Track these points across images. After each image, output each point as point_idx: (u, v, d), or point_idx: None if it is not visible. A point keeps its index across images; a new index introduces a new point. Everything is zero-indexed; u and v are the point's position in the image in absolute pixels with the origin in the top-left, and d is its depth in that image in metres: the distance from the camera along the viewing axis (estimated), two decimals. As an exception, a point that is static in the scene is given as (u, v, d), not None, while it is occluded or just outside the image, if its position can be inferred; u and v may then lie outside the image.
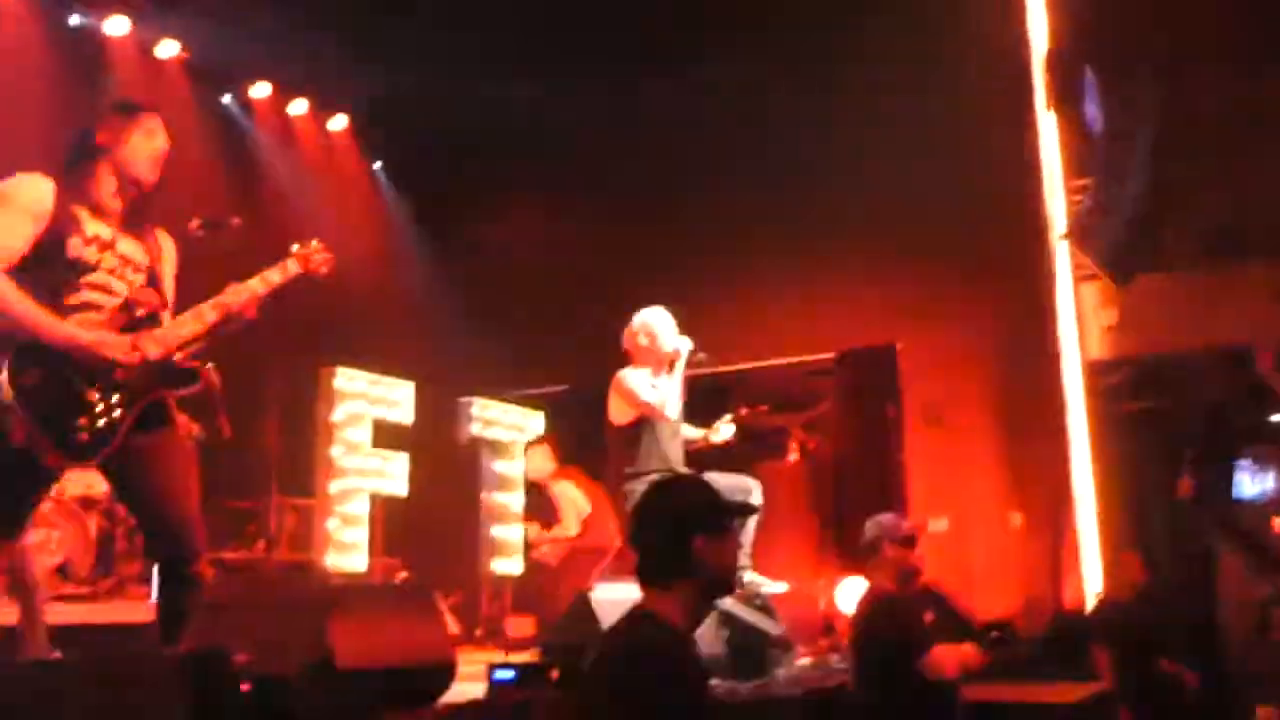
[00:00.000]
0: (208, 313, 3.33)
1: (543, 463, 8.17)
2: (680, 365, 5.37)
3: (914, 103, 7.73)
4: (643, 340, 5.42)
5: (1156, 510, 7.49)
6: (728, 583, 2.52)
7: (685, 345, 5.39)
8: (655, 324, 5.44)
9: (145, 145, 3.33)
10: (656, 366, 5.40)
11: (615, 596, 4.49)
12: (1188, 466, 6.56)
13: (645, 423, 5.29)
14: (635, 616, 2.47)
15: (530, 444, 8.40)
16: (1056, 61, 7.84)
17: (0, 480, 3.01)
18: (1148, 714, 5.20)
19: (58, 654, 4.20)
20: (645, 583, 2.47)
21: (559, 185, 9.13)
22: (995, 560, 7.88)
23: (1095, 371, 7.70)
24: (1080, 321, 7.79)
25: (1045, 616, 7.07)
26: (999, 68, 7.89)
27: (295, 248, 3.58)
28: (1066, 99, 7.72)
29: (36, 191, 3.15)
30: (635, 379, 5.31)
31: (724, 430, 5.62)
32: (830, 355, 8.43)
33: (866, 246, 8.13)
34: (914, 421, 8.17)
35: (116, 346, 3.11)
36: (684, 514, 2.47)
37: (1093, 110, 7.55)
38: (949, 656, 4.15)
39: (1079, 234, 7.65)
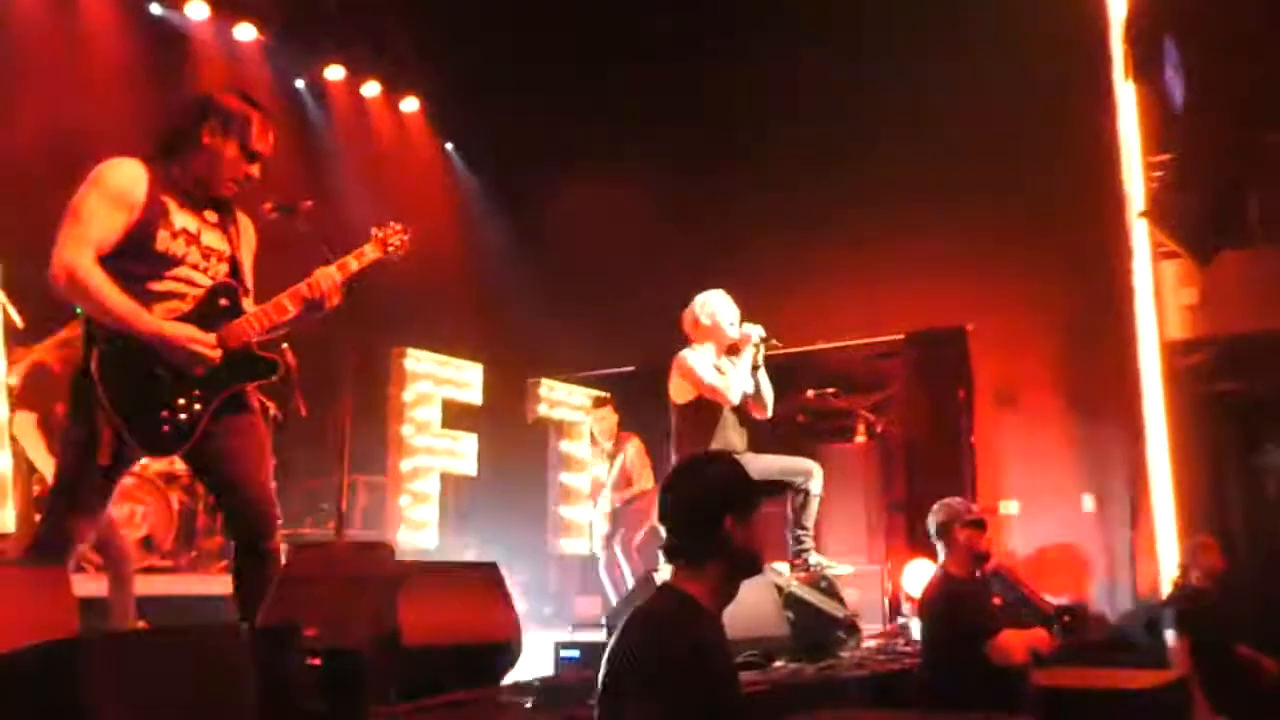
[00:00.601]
0: (287, 304, 3.34)
1: (611, 423, 8.03)
2: (749, 351, 5.35)
3: (986, 76, 7.58)
4: (704, 320, 5.41)
5: (1235, 495, 7.31)
6: (755, 563, 2.50)
7: (755, 332, 5.36)
8: (715, 305, 5.42)
9: (246, 150, 3.30)
10: (718, 348, 5.39)
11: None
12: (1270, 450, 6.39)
13: (707, 403, 5.29)
14: (663, 594, 2.48)
15: (596, 403, 8.21)
16: (1135, 31, 7.62)
17: (85, 462, 3.10)
18: (1224, 701, 5.08)
19: (143, 623, 4.35)
20: (674, 561, 2.48)
21: (627, 168, 9.13)
22: (1068, 544, 7.76)
23: (1174, 352, 7.51)
24: (1158, 301, 7.60)
25: (1119, 602, 6.95)
26: (1075, 38, 7.70)
27: (374, 231, 3.58)
28: (1146, 70, 7.50)
29: (129, 178, 3.16)
30: (698, 359, 5.31)
31: (751, 330, 5.48)
32: (899, 337, 8.35)
33: (937, 225, 8.01)
34: (985, 404, 8.07)
35: (202, 344, 3.16)
36: (714, 493, 2.48)
37: (1173, 82, 7.33)
38: (1017, 641, 4.11)
39: (1158, 211, 7.46)
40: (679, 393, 5.36)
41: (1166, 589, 6.58)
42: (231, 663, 1.74)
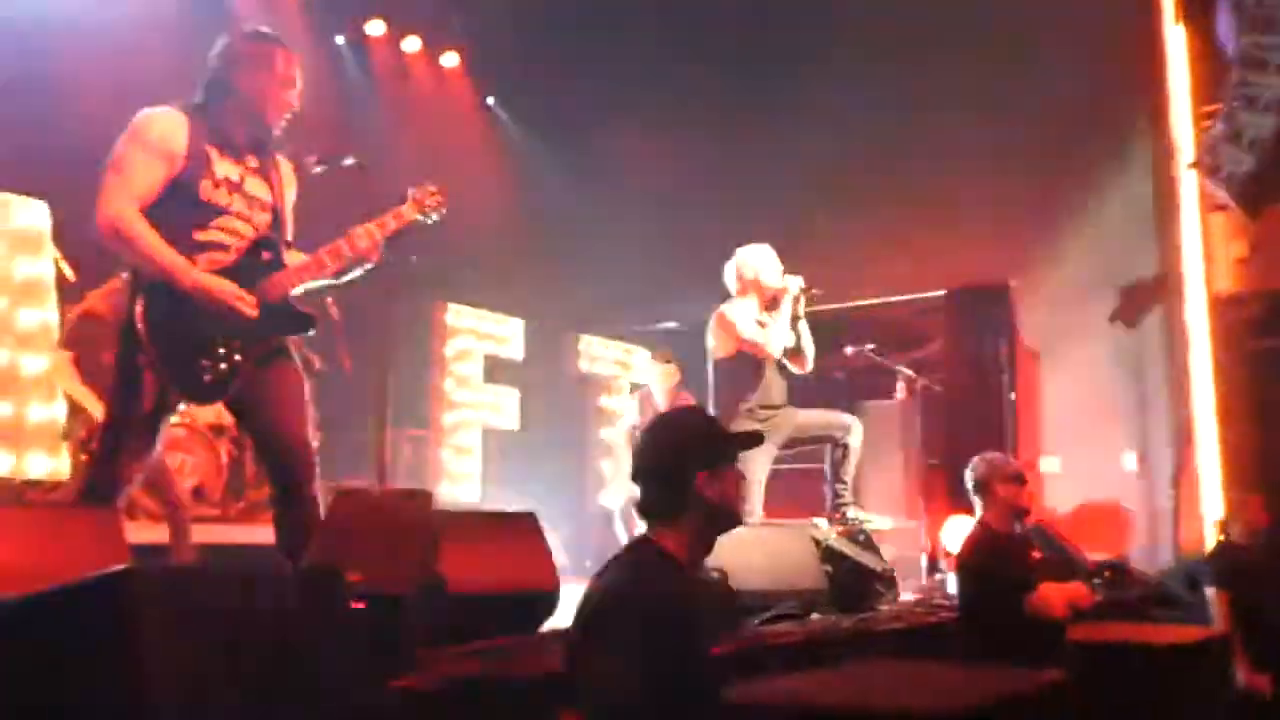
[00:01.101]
0: (326, 259, 3.38)
1: (673, 381, 7.93)
2: (788, 302, 5.34)
3: (1032, 23, 7.43)
4: (746, 274, 5.41)
5: (1281, 452, 7.21)
6: (732, 515, 2.47)
7: (794, 283, 5.35)
8: (758, 259, 5.42)
9: (277, 84, 3.33)
10: (760, 303, 5.38)
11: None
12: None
13: (747, 357, 5.29)
14: (636, 547, 2.47)
15: (660, 358, 8.11)
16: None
17: (131, 407, 3.18)
18: (1265, 657, 5.05)
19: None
20: (647, 516, 2.47)
21: (668, 122, 9.08)
22: (1110, 501, 7.71)
23: (1222, 306, 7.39)
24: (1207, 253, 7.47)
25: (1161, 559, 6.91)
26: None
27: (411, 191, 3.60)
28: (1197, 11, 7.32)
29: (169, 128, 3.20)
30: (737, 312, 5.31)
31: (791, 281, 5.44)
32: (941, 293, 8.28)
33: (980, 180, 7.91)
34: (1026, 360, 8.00)
35: (242, 302, 3.21)
36: (682, 449, 2.45)
37: (1226, 28, 7.15)
38: (1055, 595, 4.11)
39: (1208, 163, 7.30)
40: (719, 347, 5.37)
41: (1209, 546, 6.54)
42: (278, 602, 1.79)
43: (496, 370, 8.16)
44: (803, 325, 5.41)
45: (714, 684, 2.35)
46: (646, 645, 2.21)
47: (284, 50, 3.40)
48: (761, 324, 5.32)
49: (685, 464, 2.41)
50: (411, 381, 7.67)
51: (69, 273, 5.58)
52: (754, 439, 2.72)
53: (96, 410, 4.28)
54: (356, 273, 3.51)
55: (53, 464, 5.54)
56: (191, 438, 6.00)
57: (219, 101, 3.30)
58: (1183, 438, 7.20)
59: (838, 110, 8.45)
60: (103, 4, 7.19)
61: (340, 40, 9.26)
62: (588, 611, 2.38)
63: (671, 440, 2.49)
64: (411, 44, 9.66)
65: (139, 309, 3.14)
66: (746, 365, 5.32)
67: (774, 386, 5.35)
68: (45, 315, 5.68)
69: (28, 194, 5.74)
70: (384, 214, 3.52)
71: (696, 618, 2.42)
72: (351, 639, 2.10)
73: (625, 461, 7.61)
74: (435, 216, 3.59)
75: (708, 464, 2.41)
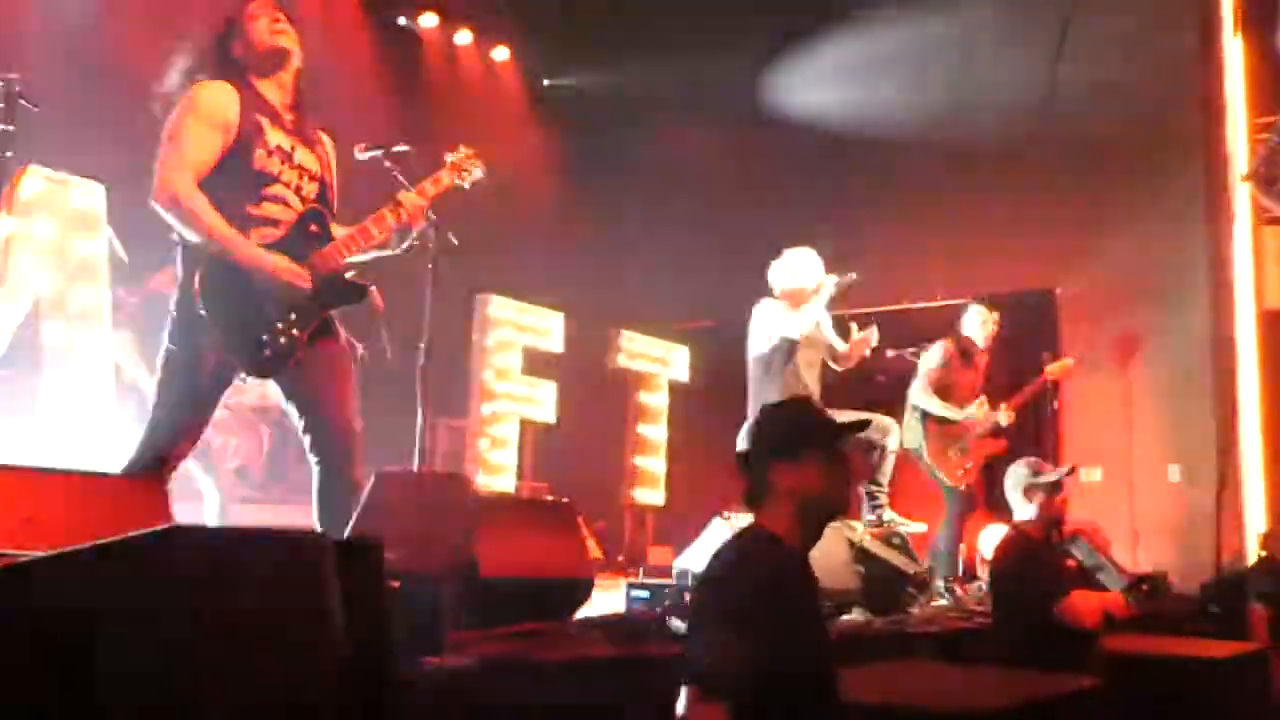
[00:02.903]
0: (373, 229, 3.43)
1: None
2: (823, 297, 5.34)
3: (1086, 30, 7.36)
4: (786, 282, 5.42)
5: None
6: (824, 505, 2.49)
7: (829, 281, 5.34)
8: (800, 263, 5.42)
9: (264, 21, 3.38)
10: (797, 305, 5.39)
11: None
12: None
13: (783, 356, 5.30)
14: (744, 531, 2.54)
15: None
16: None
17: (186, 383, 3.23)
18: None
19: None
20: (748, 503, 2.54)
21: (715, 119, 9.08)
22: (1152, 512, 7.61)
23: (1272, 320, 7.28)
24: (1258, 268, 7.35)
25: (1202, 573, 6.81)
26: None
27: (447, 157, 3.65)
28: (1256, 22, 7.21)
29: (223, 99, 3.24)
30: (773, 309, 5.32)
31: (870, 334, 5.48)
32: (985, 298, 8.21)
33: (1029, 185, 7.85)
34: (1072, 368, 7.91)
35: (297, 277, 3.25)
36: (760, 441, 2.52)
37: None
38: (1088, 604, 4.08)
39: (1263, 175, 7.20)
40: (756, 343, 5.38)
41: (1252, 559, 6.45)
42: (314, 571, 1.82)
43: (535, 362, 8.20)
44: (826, 321, 5.42)
45: (825, 659, 2.47)
46: (755, 619, 2.26)
47: (283, 11, 3.45)
48: (792, 317, 5.31)
49: (761, 453, 2.49)
50: (451, 372, 7.73)
51: (123, 254, 5.69)
52: (853, 427, 2.68)
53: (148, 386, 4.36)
54: (404, 245, 3.55)
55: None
56: (235, 419, 6.09)
57: (247, 70, 3.35)
58: (1228, 453, 7.10)
59: (886, 109, 8.42)
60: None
61: (403, 21, 9.32)
62: (701, 591, 2.48)
63: (757, 430, 2.55)
64: (463, 37, 9.74)
65: (197, 282, 3.19)
66: (783, 363, 5.33)
67: (810, 384, 5.35)
68: (99, 295, 5.80)
69: (85, 176, 5.85)
70: (422, 180, 3.57)
71: (806, 594, 2.50)
72: (388, 613, 2.13)
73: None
74: (473, 179, 3.63)
75: (783, 454, 2.46)
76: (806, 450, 2.47)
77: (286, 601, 1.72)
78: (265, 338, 3.22)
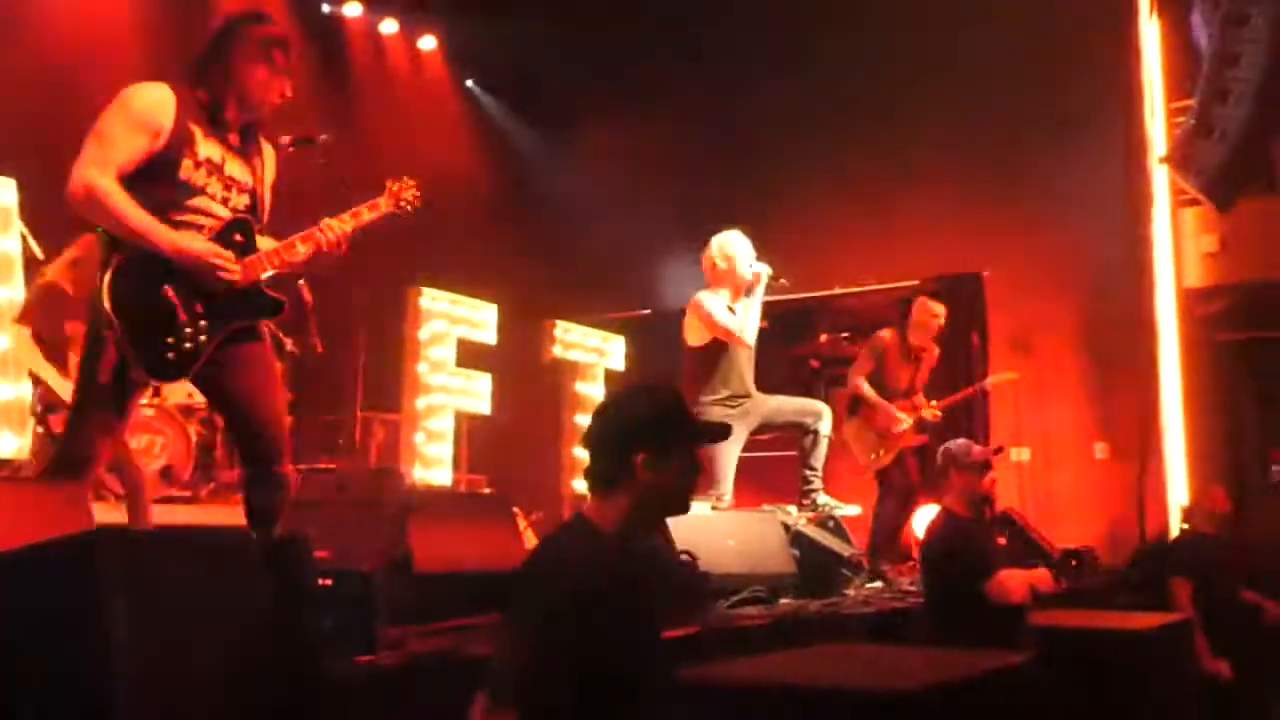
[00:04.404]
0: (299, 246, 3.36)
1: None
2: (759, 290, 5.37)
3: (1006, 15, 7.48)
4: (721, 264, 5.43)
5: (1250, 444, 7.31)
6: (670, 504, 2.43)
7: (765, 271, 5.37)
8: (733, 247, 5.43)
9: (277, 74, 3.30)
10: (734, 290, 5.40)
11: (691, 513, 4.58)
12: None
13: (720, 346, 5.32)
14: (572, 521, 2.46)
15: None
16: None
17: (99, 381, 3.15)
18: (1224, 644, 5.14)
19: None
20: (590, 487, 2.44)
21: (644, 110, 9.08)
22: (1079, 490, 7.79)
23: (1191, 300, 7.48)
24: (1177, 248, 7.55)
25: (1127, 547, 6.99)
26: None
27: (388, 184, 3.58)
28: (1171, 5, 7.38)
29: (156, 103, 3.16)
30: (713, 302, 5.33)
31: (762, 269, 5.44)
32: (915, 282, 8.33)
33: (954, 170, 7.96)
34: (999, 350, 8.06)
35: (223, 259, 3.18)
36: (628, 427, 2.41)
37: (1199, 25, 7.21)
38: (1015, 580, 4.17)
39: (1179, 157, 7.37)
40: (693, 335, 5.39)
41: (1174, 534, 6.63)
42: (242, 570, 1.80)
43: (469, 355, 8.14)
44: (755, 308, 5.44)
45: (647, 663, 2.35)
46: (564, 620, 2.17)
47: (287, 41, 3.37)
48: (733, 310, 5.34)
49: (627, 442, 2.36)
50: (383, 365, 7.65)
51: (37, 250, 5.53)
52: (717, 433, 2.67)
53: (59, 385, 4.23)
54: (327, 261, 3.49)
55: (19, 443, 5.49)
56: (161, 418, 5.95)
57: (213, 82, 3.27)
58: (1151, 429, 7.29)
59: (815, 100, 8.49)
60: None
61: (326, 9, 9.18)
62: (517, 584, 2.36)
63: (625, 414, 2.45)
64: (389, 26, 9.61)
65: (106, 281, 3.12)
66: (719, 353, 5.34)
67: (746, 374, 5.38)
68: (12, 293, 5.63)
69: (-5, 171, 5.69)
70: (359, 205, 3.50)
71: (632, 591, 2.38)
72: (317, 612, 2.11)
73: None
74: (409, 211, 3.58)
75: (650, 447, 2.35)
76: (674, 444, 2.39)
77: (213, 601, 1.69)
78: (170, 341, 3.15)
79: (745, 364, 5.41)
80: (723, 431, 2.79)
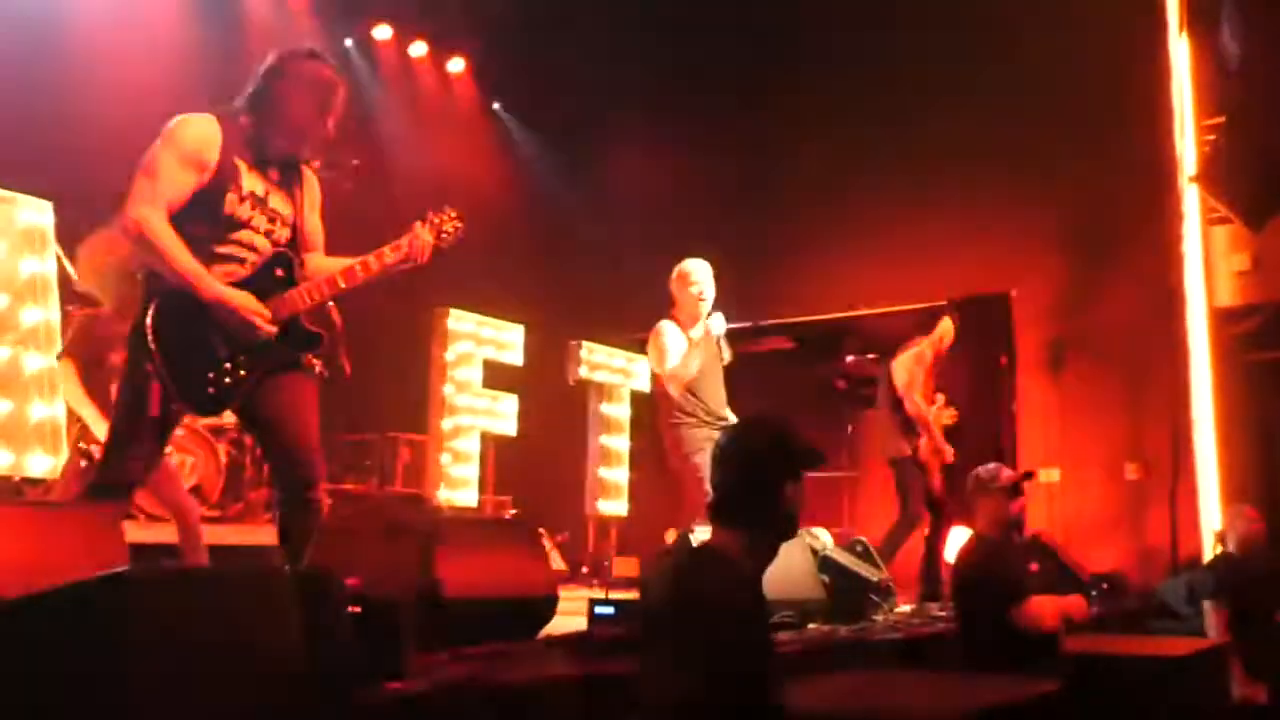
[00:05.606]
0: (340, 280, 3.37)
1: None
2: (710, 342, 5.32)
3: (1035, 33, 7.46)
4: (675, 290, 5.43)
5: (1283, 464, 7.21)
6: (792, 528, 2.50)
7: (715, 331, 5.31)
8: (688, 274, 5.42)
9: (326, 114, 3.32)
10: (689, 318, 5.38)
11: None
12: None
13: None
14: (701, 553, 2.49)
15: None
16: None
17: (138, 411, 3.19)
18: (1262, 669, 5.05)
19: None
20: (718, 521, 2.47)
21: (672, 132, 9.10)
22: (1110, 512, 7.71)
23: (1223, 319, 7.40)
24: (1208, 267, 7.48)
25: (1159, 571, 6.91)
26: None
27: (430, 214, 3.58)
28: (1202, 22, 7.32)
29: (204, 137, 3.19)
30: (668, 338, 5.29)
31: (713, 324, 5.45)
32: (942, 303, 8.28)
33: (983, 190, 7.93)
34: (1027, 370, 8.01)
35: (260, 316, 3.21)
36: (775, 457, 2.46)
37: (1230, 43, 7.16)
38: (1047, 607, 4.11)
39: (1210, 176, 7.31)
40: (655, 363, 5.41)
41: (1207, 557, 6.54)
42: (274, 605, 1.80)
43: (495, 375, 8.17)
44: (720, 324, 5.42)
45: (777, 687, 2.43)
46: (714, 652, 2.23)
47: (339, 81, 3.39)
48: (692, 340, 5.29)
49: (776, 473, 2.43)
50: (411, 386, 7.69)
51: (72, 272, 5.60)
52: (822, 457, 2.69)
53: (96, 424, 4.26)
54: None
55: (52, 462, 5.55)
56: (190, 438, 6.00)
57: (261, 116, 3.29)
58: (1182, 450, 7.20)
59: (840, 119, 8.48)
60: (111, 3, 7.22)
61: (349, 43, 9.28)
62: (656, 619, 2.41)
63: (763, 448, 2.48)
64: (418, 49, 9.70)
65: (150, 314, 3.16)
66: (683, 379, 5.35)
67: (711, 396, 5.33)
68: (48, 314, 5.70)
69: (33, 193, 5.76)
70: (401, 238, 3.50)
71: (763, 626, 2.48)
72: (346, 643, 2.11)
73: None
74: (450, 241, 3.57)
75: (793, 476, 2.43)
76: (805, 472, 2.47)
77: (242, 636, 1.69)
78: (211, 375, 3.19)
79: (712, 387, 5.37)
80: (821, 456, 2.80)
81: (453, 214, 3.58)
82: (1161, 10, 7.58)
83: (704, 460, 4.77)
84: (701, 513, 5.01)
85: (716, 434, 5.15)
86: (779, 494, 2.41)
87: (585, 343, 8.71)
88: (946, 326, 6.47)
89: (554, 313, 8.89)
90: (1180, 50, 7.57)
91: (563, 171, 10.16)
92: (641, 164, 9.37)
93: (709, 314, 5.29)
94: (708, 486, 2.52)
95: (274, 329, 3.23)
